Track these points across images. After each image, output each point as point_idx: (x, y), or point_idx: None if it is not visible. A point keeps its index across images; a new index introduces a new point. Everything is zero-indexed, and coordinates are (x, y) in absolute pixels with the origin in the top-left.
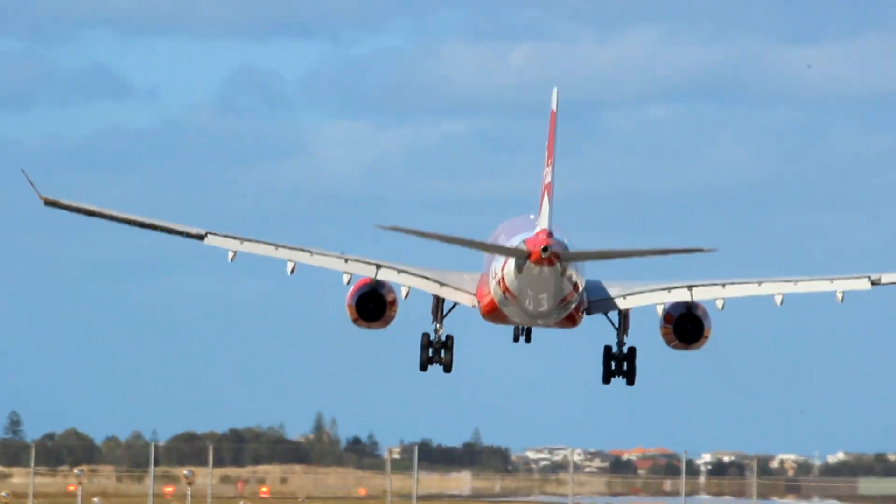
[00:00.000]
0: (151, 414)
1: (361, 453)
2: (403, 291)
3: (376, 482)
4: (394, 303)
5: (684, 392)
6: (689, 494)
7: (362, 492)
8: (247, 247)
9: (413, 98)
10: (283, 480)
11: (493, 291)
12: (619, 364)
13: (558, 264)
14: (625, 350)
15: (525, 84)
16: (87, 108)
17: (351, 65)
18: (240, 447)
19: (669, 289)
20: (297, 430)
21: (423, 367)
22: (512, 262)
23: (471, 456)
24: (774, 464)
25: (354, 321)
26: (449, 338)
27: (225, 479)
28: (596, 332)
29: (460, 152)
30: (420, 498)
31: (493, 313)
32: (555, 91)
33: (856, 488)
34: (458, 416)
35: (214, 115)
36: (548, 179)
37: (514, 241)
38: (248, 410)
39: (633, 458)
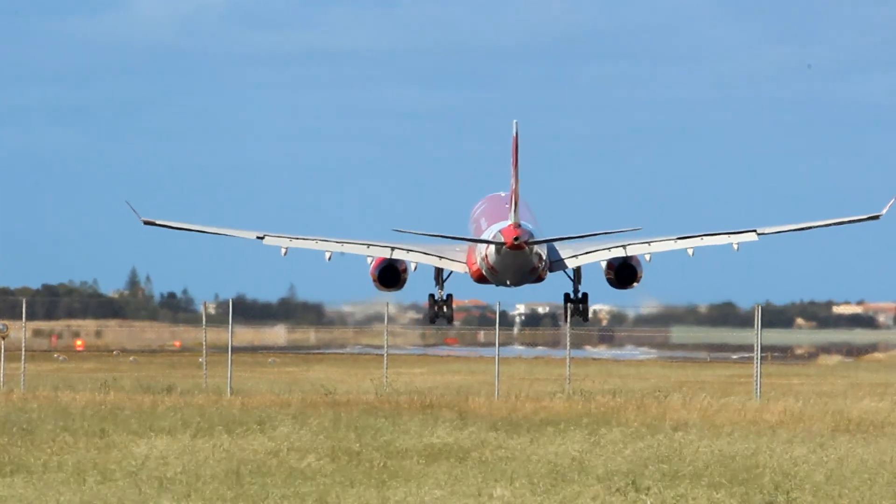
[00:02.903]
0: None
1: (176, 308)
2: (412, 266)
3: (191, 335)
4: (405, 271)
5: None
6: (503, 345)
7: (177, 344)
8: (295, 243)
9: None
10: (98, 334)
11: (480, 265)
12: (576, 306)
13: (526, 248)
14: (580, 296)
15: None
16: None
17: None
18: (53, 301)
19: (609, 248)
20: (111, 286)
21: (431, 321)
22: (493, 247)
23: (286, 310)
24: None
25: (377, 287)
26: (449, 296)
27: (38, 333)
28: (558, 283)
29: (278, 5)
30: (235, 350)
31: (479, 278)
32: (515, 123)
33: (668, 337)
34: (273, 273)
35: None
36: (514, 187)
37: (493, 232)
38: (61, 267)
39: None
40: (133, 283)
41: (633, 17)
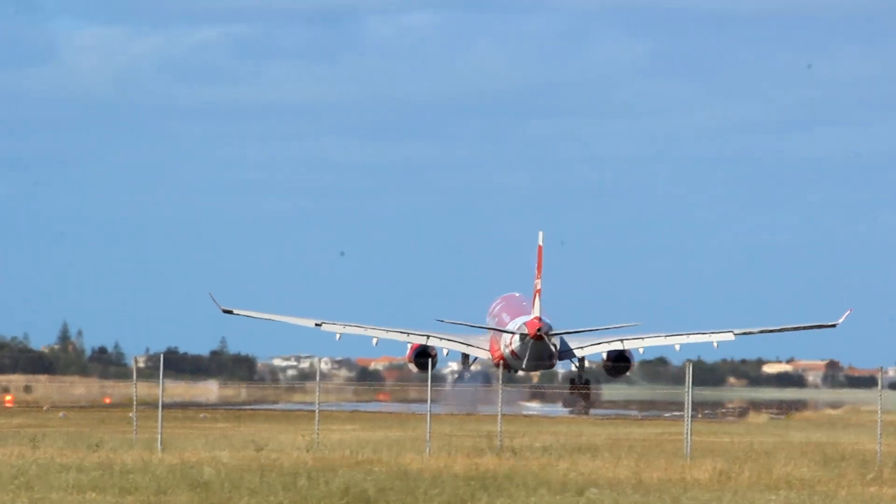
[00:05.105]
0: None
1: (107, 363)
2: (444, 351)
3: (122, 391)
4: (436, 356)
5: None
6: (434, 401)
7: (108, 400)
8: (348, 329)
9: (166, 4)
10: (28, 389)
11: (503, 352)
12: (580, 391)
13: (545, 338)
14: (583, 381)
15: None
16: None
17: None
18: None
19: (609, 342)
20: (43, 341)
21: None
22: (517, 336)
23: (218, 364)
24: (520, 373)
25: (411, 368)
26: (472, 377)
27: None
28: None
29: (215, 59)
30: (166, 406)
31: (500, 363)
32: (541, 234)
33: (600, 394)
34: (205, 327)
35: None
36: (538, 287)
37: (518, 324)
38: None
39: (381, 367)
40: (64, 337)
41: (574, 73)
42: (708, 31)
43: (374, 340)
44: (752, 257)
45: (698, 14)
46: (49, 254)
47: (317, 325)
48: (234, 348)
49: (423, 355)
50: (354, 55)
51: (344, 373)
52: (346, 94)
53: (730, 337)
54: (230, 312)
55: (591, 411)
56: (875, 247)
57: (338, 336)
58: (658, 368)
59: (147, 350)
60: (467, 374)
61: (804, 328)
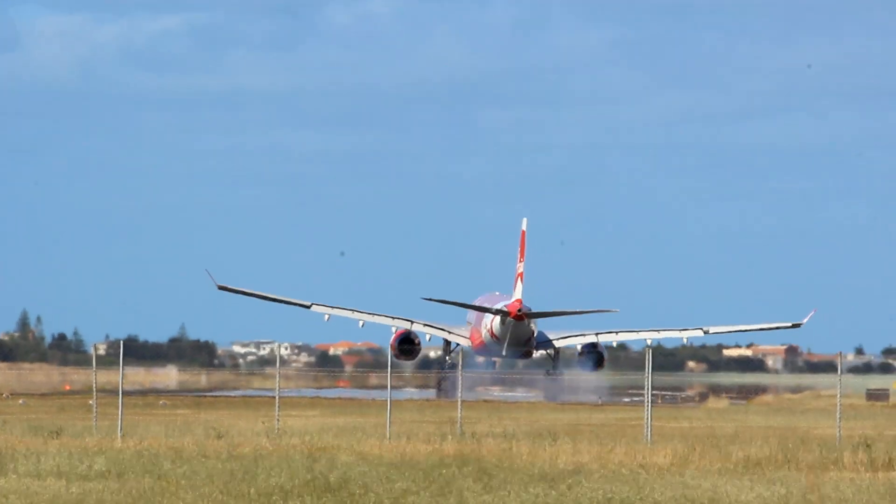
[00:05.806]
0: None
1: (66, 350)
2: (427, 337)
3: (81, 378)
4: (419, 343)
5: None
6: (395, 388)
7: (67, 387)
8: (335, 311)
9: None
10: None
11: (484, 336)
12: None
13: (525, 319)
14: (556, 369)
15: None
16: None
17: None
18: None
19: (584, 334)
20: (2, 328)
21: (438, 385)
22: (498, 318)
23: (177, 351)
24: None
25: (395, 356)
26: (453, 366)
27: None
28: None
29: (176, 48)
30: (126, 393)
31: (480, 349)
32: (524, 220)
33: (560, 380)
34: (164, 312)
35: None
36: (520, 270)
37: (500, 305)
38: None
39: (340, 352)
40: (24, 324)
41: (534, 61)
42: (668, 19)
43: (361, 323)
44: (715, 246)
45: (658, 2)
46: (8, 241)
47: (306, 306)
48: (193, 335)
49: (406, 341)
50: (315, 44)
51: (304, 358)
52: (306, 82)
53: (699, 333)
54: (225, 289)
55: (561, 398)
56: (834, 235)
57: (326, 317)
58: (619, 353)
59: (107, 337)
60: (448, 361)
61: (771, 328)
